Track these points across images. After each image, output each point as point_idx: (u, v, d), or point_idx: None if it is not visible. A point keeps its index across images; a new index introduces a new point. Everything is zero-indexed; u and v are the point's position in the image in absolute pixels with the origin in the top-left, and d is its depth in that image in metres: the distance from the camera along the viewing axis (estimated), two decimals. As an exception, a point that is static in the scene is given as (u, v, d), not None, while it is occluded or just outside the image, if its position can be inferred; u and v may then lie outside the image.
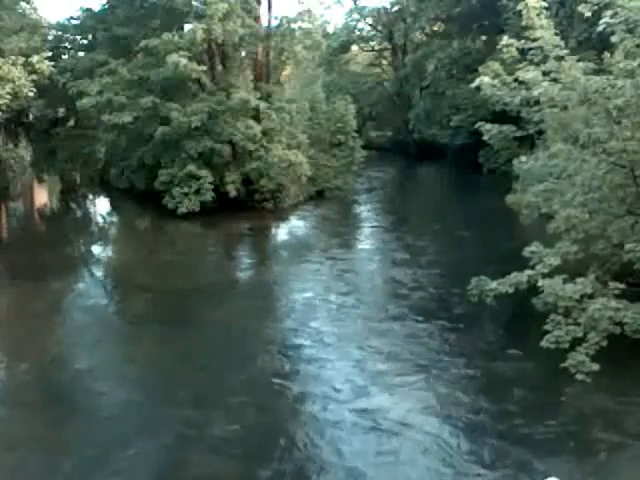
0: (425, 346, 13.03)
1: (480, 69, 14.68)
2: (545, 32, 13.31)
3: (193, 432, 9.97)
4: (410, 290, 16.54)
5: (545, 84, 12.29)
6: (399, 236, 23.18)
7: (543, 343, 11.37)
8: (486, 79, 13.75)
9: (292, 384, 11.70)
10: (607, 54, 13.89)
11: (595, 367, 10.73)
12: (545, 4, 13.94)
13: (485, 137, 15.22)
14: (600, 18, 12.46)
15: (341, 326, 14.33)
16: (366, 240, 23.89)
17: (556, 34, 13.63)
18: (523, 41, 13.65)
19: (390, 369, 11.99)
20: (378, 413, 10.42)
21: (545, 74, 13.00)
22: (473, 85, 14.11)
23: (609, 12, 12.13)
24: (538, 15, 13.56)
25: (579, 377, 10.76)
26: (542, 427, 9.83)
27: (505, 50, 14.00)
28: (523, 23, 13.66)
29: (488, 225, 23.35)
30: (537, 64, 13.24)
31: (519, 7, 13.99)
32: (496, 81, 13.78)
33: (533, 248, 12.99)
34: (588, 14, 12.72)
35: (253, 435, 9.83)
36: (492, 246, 19.61)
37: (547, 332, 11.47)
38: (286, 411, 10.85)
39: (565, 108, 12.78)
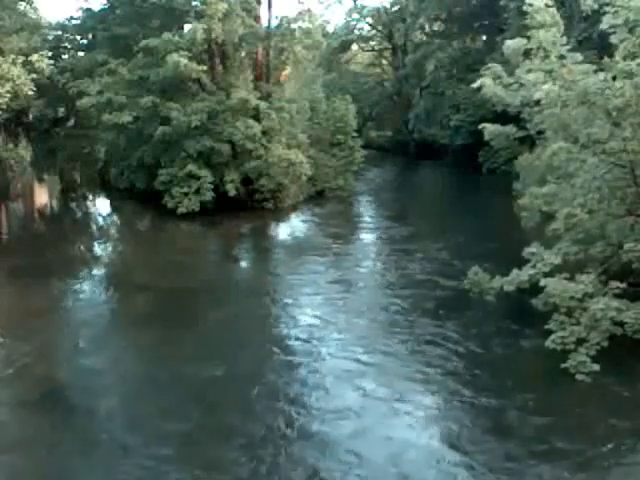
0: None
1: (481, 71, 14.65)
2: (549, 29, 13.30)
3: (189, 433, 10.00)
4: (408, 289, 16.58)
5: (546, 86, 12.28)
6: (398, 236, 23.14)
7: (548, 343, 11.39)
8: (488, 81, 13.75)
9: (291, 383, 11.72)
10: (607, 59, 13.92)
11: (596, 367, 10.76)
12: (550, 1, 13.96)
13: (486, 137, 15.24)
14: (601, 17, 12.49)
15: (341, 325, 14.36)
16: (366, 240, 23.87)
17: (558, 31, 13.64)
18: (526, 41, 13.65)
19: (386, 365, 12.03)
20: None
21: (546, 73, 13.01)
22: (475, 85, 14.11)
23: (611, 9, 12.16)
24: (544, 9, 13.55)
25: (579, 377, 10.81)
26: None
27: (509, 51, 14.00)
28: (527, 21, 13.66)
29: (488, 225, 23.30)
30: (541, 60, 13.24)
31: (525, 7, 13.99)
32: (497, 82, 13.78)
33: (533, 249, 12.99)
34: (592, 6, 12.71)
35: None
36: (492, 245, 19.58)
37: (551, 332, 11.54)
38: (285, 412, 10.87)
39: (565, 107, 12.79)
